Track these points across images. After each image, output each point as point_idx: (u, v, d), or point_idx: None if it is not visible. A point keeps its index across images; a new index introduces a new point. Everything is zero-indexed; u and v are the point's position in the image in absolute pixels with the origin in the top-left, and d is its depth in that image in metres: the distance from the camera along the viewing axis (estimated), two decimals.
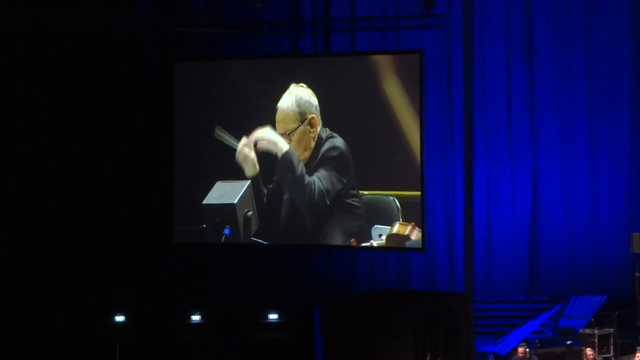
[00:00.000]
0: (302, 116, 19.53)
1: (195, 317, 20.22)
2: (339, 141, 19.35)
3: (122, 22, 19.68)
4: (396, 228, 18.93)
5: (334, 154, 19.37)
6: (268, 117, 19.37)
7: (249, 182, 19.80)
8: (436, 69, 20.37)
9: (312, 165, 19.42)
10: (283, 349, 19.75)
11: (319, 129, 19.41)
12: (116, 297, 19.93)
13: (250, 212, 19.86)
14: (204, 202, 20.06)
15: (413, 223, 18.79)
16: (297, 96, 19.62)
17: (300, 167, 19.47)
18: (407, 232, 18.88)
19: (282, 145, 19.51)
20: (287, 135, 19.53)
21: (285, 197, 19.71)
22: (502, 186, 20.53)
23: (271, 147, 19.61)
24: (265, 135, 19.67)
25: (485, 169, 20.43)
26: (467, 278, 18.73)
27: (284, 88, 19.44)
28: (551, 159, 20.42)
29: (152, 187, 20.46)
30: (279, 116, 19.57)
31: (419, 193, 18.84)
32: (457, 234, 20.20)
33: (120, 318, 19.81)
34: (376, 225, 19.13)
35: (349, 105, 19.28)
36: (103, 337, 19.51)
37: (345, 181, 19.32)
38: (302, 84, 19.54)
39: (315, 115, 19.48)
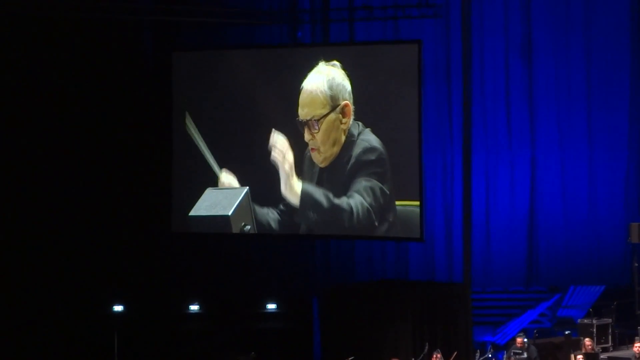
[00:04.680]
0: (333, 101, 17.52)
1: (194, 307, 20.24)
2: (374, 139, 17.34)
3: (120, 11, 19.64)
4: None
5: (372, 157, 17.11)
6: (267, 108, 19.18)
7: (246, 189, 18.25)
8: (434, 59, 20.33)
9: (342, 169, 17.40)
10: (282, 339, 19.77)
11: (351, 121, 17.42)
12: (114, 287, 19.93)
13: (249, 227, 18.46)
14: (192, 213, 18.68)
15: None
16: (329, 76, 17.60)
17: (327, 197, 17.12)
18: None
19: (295, 183, 17.28)
20: (313, 122, 17.43)
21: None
22: (500, 176, 20.54)
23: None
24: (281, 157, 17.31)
25: (483, 159, 20.41)
26: (465, 268, 18.74)
27: (281, 76, 18.79)
28: (550, 149, 20.41)
29: (150, 177, 20.42)
30: (304, 98, 17.86)
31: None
32: (455, 224, 20.19)
33: (118, 308, 19.81)
34: None
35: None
36: (101, 327, 19.52)
37: (387, 192, 17.04)
38: (334, 62, 18.01)
39: (349, 102, 17.51)
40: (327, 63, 18.31)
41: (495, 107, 20.55)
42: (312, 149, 18.28)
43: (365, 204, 17.19)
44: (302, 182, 17.79)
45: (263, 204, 18.94)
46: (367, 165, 17.22)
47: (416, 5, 19.32)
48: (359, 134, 17.67)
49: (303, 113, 18.18)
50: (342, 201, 17.31)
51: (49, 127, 20.07)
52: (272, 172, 19.03)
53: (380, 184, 17.21)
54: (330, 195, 17.40)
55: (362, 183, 17.13)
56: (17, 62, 19.83)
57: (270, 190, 19.05)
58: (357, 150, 17.39)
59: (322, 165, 18.17)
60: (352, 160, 17.35)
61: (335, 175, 17.95)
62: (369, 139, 17.58)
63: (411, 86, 18.44)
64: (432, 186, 20.22)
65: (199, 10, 20.06)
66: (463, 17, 18.96)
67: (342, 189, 17.68)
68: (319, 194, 17.42)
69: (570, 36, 20.34)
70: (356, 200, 17.37)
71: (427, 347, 17.10)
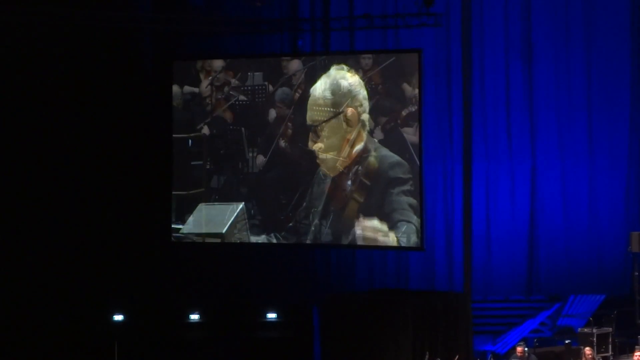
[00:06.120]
0: (335, 107, 17.18)
1: (194, 316, 20.21)
2: (394, 155, 16.93)
3: (120, 20, 19.64)
4: None
5: (400, 173, 16.83)
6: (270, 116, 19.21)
7: (242, 205, 18.00)
8: (435, 67, 20.34)
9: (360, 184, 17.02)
10: (282, 348, 19.74)
11: (362, 132, 16.97)
12: (115, 296, 19.92)
13: None
14: (184, 229, 18.59)
15: None
16: (334, 80, 17.26)
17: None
18: None
19: None
20: (314, 129, 17.10)
21: (316, 221, 18.14)
22: (501, 185, 20.51)
23: None
24: None
25: (484, 168, 20.39)
26: (465, 277, 18.74)
27: (282, 84, 18.86)
28: (550, 158, 20.39)
29: (150, 185, 20.42)
30: (309, 103, 17.81)
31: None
32: (456, 233, 20.16)
33: (119, 317, 19.81)
34: None
35: None
36: (102, 336, 19.51)
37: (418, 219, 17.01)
38: (342, 65, 17.81)
39: (355, 108, 17.02)
40: (337, 66, 18.28)
41: (495, 116, 20.53)
42: (319, 158, 18.19)
43: (415, 218, 17.07)
44: None
45: (262, 231, 18.82)
46: (398, 182, 16.95)
47: (416, 14, 19.30)
48: (375, 149, 17.58)
49: (308, 118, 18.18)
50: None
51: (49, 135, 20.08)
52: (275, 193, 18.98)
53: (415, 201, 17.10)
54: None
55: (401, 198, 16.95)
56: (17, 70, 19.84)
57: (272, 216, 19.08)
58: (382, 165, 17.13)
59: (331, 175, 18.00)
60: (379, 179, 16.97)
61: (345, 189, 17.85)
62: (389, 154, 17.42)
63: (411, 94, 18.45)
64: (433, 195, 20.20)
65: (199, 20, 20.06)
66: (463, 26, 18.97)
67: (376, 209, 17.51)
68: None
69: (570, 45, 20.32)
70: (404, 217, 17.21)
71: (427, 356, 17.10)
